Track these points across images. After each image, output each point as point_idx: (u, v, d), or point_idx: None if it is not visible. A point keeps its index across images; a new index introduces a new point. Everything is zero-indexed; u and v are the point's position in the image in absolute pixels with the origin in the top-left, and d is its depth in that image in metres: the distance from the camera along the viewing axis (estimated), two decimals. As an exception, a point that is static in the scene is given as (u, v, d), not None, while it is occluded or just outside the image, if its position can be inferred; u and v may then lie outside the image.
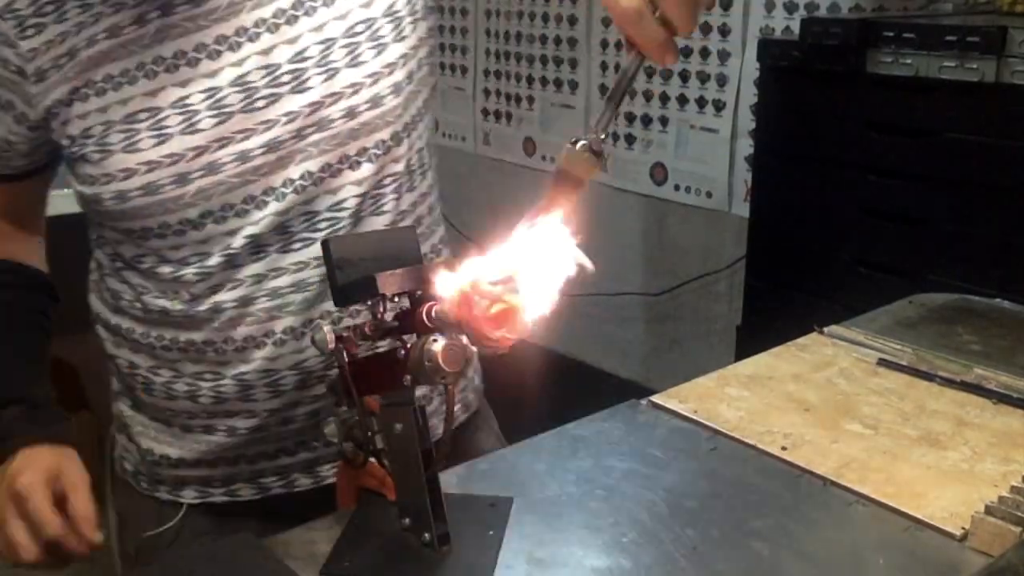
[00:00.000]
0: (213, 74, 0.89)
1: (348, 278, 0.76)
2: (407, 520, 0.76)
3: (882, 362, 1.08)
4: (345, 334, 0.76)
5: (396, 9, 0.96)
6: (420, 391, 0.83)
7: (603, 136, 0.70)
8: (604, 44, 2.68)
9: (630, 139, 2.65)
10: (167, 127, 0.89)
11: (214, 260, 0.92)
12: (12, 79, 0.91)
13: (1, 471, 0.89)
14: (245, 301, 0.93)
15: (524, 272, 0.68)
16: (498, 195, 3.04)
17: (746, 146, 2.35)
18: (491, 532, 0.78)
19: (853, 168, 1.73)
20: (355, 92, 0.92)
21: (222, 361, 0.96)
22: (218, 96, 0.89)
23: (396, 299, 0.74)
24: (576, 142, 0.70)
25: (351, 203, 0.95)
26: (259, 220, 0.92)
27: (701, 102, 2.46)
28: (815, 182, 1.81)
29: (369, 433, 0.79)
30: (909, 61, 1.60)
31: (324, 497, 1.00)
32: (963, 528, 0.77)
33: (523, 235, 0.70)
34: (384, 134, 0.95)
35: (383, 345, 0.77)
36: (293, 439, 1.00)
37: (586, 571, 0.74)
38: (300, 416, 0.99)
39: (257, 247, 0.93)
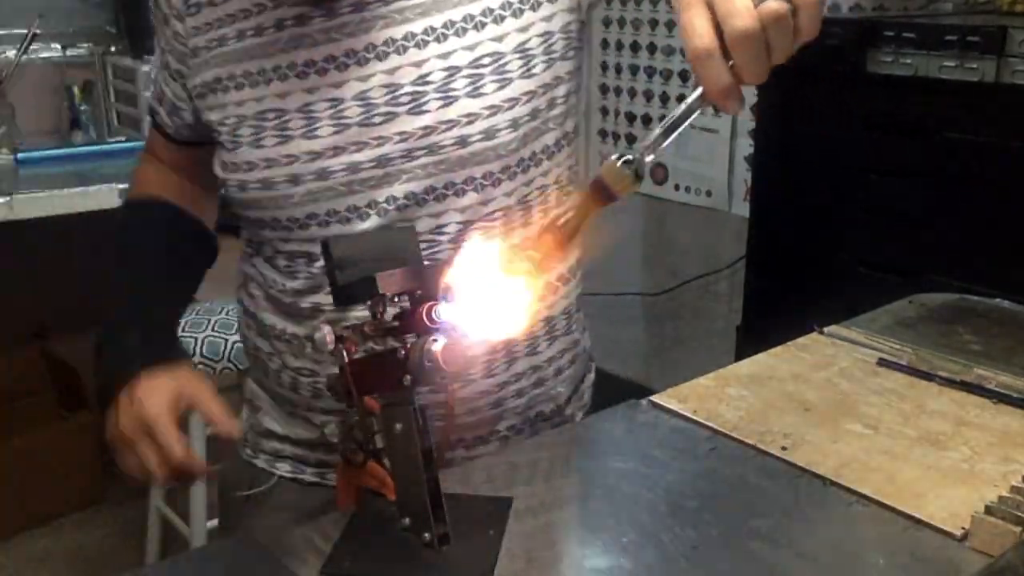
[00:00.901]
0: (338, 85, 0.92)
1: (348, 278, 0.76)
2: (407, 520, 0.76)
3: (882, 362, 1.08)
4: (345, 334, 0.76)
5: (529, 47, 0.95)
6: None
7: (648, 158, 0.70)
8: (604, 44, 2.68)
9: (630, 139, 2.65)
10: (289, 129, 0.93)
11: (317, 261, 0.96)
12: (181, 50, 0.98)
13: (127, 395, 0.93)
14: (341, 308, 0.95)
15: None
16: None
17: (746, 146, 2.36)
18: (491, 532, 0.78)
19: (853, 168, 1.74)
20: (470, 122, 0.92)
21: (317, 360, 0.99)
22: (340, 107, 0.92)
23: (396, 299, 0.74)
24: (620, 157, 0.69)
25: (452, 229, 0.95)
26: (360, 232, 0.94)
27: (701, 102, 2.46)
28: (815, 182, 1.81)
29: (369, 433, 0.79)
30: (909, 61, 1.60)
31: None
32: (963, 528, 0.77)
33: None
34: (494, 166, 0.94)
35: (383, 345, 0.77)
36: None
37: (586, 571, 0.74)
38: None
39: None
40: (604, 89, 2.70)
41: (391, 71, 0.92)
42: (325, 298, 0.96)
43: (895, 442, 0.91)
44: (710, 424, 0.95)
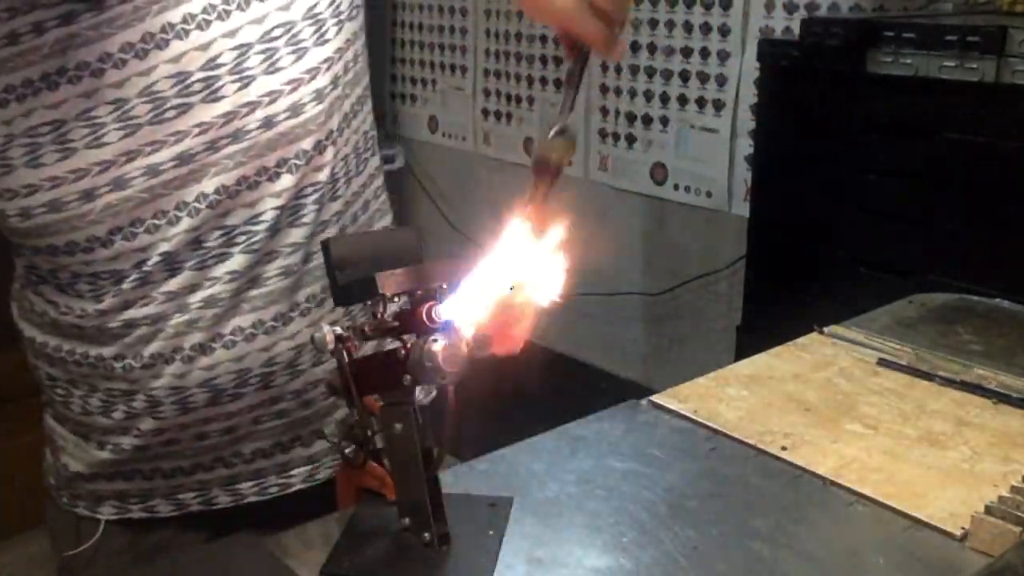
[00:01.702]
0: (119, 84, 0.84)
1: (348, 278, 0.75)
2: (407, 520, 0.76)
3: (882, 362, 1.08)
4: (345, 334, 0.76)
5: (318, 11, 0.91)
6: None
7: (568, 119, 0.75)
8: (604, 44, 2.67)
9: (630, 139, 2.65)
10: (71, 141, 0.84)
11: (127, 277, 0.89)
12: None
13: None
14: (157, 318, 0.91)
15: (524, 274, 0.70)
16: (498, 195, 3.04)
17: (746, 146, 2.35)
18: (491, 532, 0.78)
19: (853, 168, 1.73)
20: (272, 101, 0.88)
21: (131, 378, 0.93)
22: (125, 108, 0.84)
23: (396, 299, 0.74)
24: (551, 130, 0.74)
25: (269, 216, 0.91)
26: (172, 236, 0.88)
27: (701, 102, 2.46)
28: (815, 182, 1.81)
29: (369, 433, 0.79)
30: (909, 61, 1.60)
31: (244, 515, 0.98)
32: (963, 528, 0.77)
33: (514, 238, 0.72)
34: (306, 143, 0.91)
35: (383, 345, 0.77)
36: (209, 455, 0.97)
37: (586, 571, 0.74)
38: (214, 432, 0.96)
39: (172, 264, 0.89)
40: (604, 89, 2.69)
41: (175, 59, 0.85)
42: (138, 312, 0.90)
43: (895, 442, 0.91)
44: (710, 424, 0.95)
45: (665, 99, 2.55)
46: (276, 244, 0.93)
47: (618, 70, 2.65)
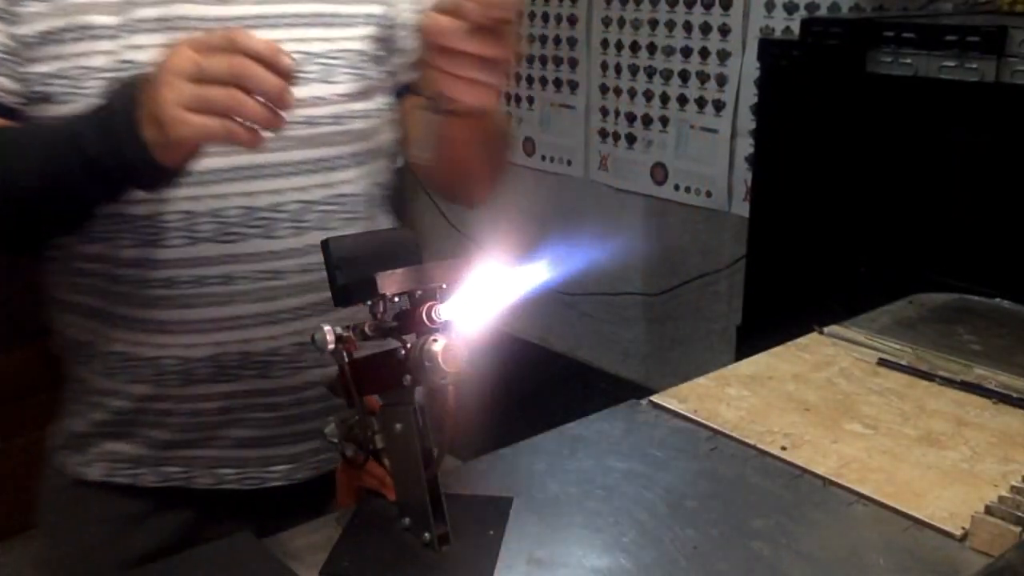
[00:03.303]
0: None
1: (348, 278, 0.76)
2: (407, 520, 0.76)
3: (882, 362, 1.09)
4: (345, 334, 0.76)
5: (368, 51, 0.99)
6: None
7: None
8: (604, 44, 2.67)
9: (630, 139, 2.65)
10: None
11: (174, 229, 0.92)
12: None
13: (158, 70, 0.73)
14: (170, 283, 0.93)
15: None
16: (498, 195, 3.04)
17: (746, 146, 2.35)
18: (491, 532, 0.78)
19: (853, 168, 1.73)
20: (316, 105, 0.94)
21: (146, 341, 0.95)
22: None
23: (396, 299, 0.74)
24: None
25: (292, 208, 0.95)
26: (223, 195, 0.92)
27: (701, 102, 2.46)
28: (815, 182, 1.81)
29: (369, 433, 0.79)
30: (909, 61, 1.60)
31: (226, 502, 1.01)
32: (963, 528, 0.77)
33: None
34: (341, 150, 0.97)
35: (383, 345, 0.77)
36: (198, 433, 0.99)
37: (586, 571, 0.74)
38: (208, 410, 0.98)
39: (216, 232, 0.93)
40: (604, 89, 2.69)
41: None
42: (177, 272, 0.92)
43: (895, 442, 0.91)
44: (710, 424, 0.95)
45: (665, 99, 2.55)
46: (301, 241, 0.96)
47: (618, 70, 2.65)
